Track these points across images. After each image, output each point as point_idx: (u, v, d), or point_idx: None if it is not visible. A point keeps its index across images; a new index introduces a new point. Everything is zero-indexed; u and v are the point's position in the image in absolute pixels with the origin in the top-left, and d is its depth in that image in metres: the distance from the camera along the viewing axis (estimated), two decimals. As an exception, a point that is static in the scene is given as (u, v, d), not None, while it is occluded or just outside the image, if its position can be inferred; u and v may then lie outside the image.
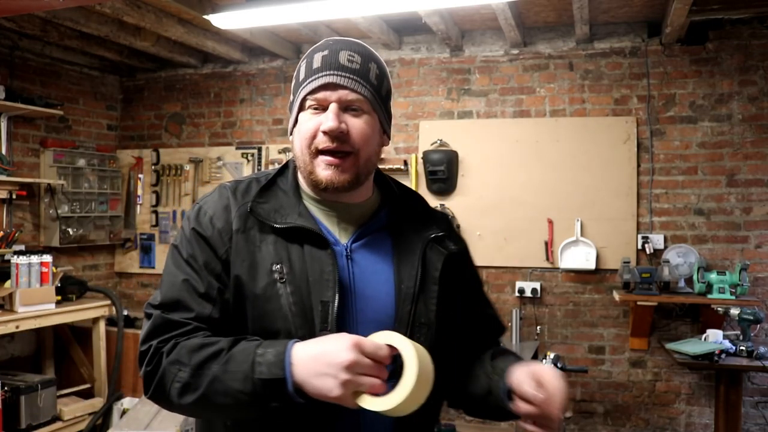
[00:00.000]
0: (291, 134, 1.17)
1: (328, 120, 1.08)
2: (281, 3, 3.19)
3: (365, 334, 1.01)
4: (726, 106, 4.00)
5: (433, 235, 1.19)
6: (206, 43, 4.28)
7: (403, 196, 1.25)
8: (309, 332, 1.07)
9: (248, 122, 4.91)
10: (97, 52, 4.41)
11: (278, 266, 1.09)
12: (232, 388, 1.00)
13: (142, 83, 5.21)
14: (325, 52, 1.12)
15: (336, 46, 1.13)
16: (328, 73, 1.10)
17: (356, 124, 1.10)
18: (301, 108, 1.13)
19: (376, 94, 1.13)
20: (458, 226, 4.35)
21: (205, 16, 3.50)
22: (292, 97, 1.18)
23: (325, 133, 1.09)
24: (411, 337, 1.05)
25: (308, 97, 1.11)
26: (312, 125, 1.10)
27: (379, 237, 1.18)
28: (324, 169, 1.11)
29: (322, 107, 1.11)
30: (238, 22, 3.51)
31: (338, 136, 1.09)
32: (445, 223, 1.27)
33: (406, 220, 1.21)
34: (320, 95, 1.10)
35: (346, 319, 1.10)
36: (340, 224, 1.17)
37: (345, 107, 1.10)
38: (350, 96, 1.10)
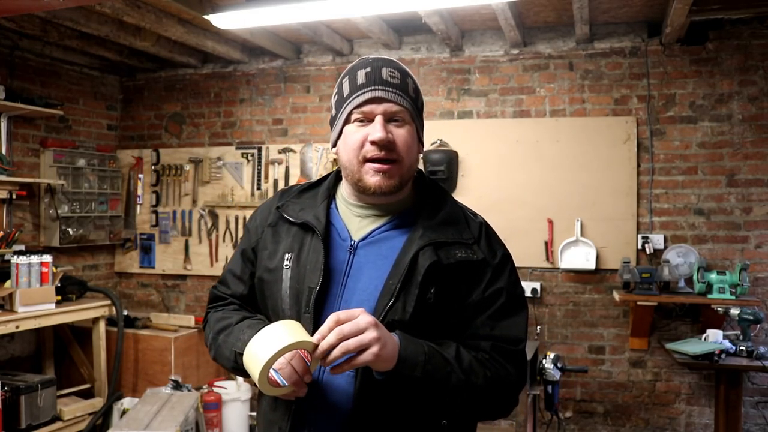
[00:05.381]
0: (334, 146, 1.29)
1: (376, 131, 1.18)
2: (281, 3, 3.19)
3: None
4: (726, 106, 4.00)
5: (432, 241, 1.20)
6: (206, 43, 4.28)
7: (434, 200, 1.29)
8: (296, 313, 1.22)
9: (248, 122, 4.91)
10: (97, 52, 4.40)
11: (289, 255, 1.25)
12: (225, 354, 1.27)
13: (142, 83, 5.21)
14: (368, 69, 1.22)
15: (377, 64, 1.23)
16: (373, 88, 1.20)
17: (400, 134, 1.21)
18: (347, 122, 1.23)
19: (414, 106, 1.24)
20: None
21: (205, 16, 3.50)
22: (334, 111, 1.28)
23: (373, 143, 1.18)
24: None
25: (355, 110, 1.21)
26: (359, 136, 1.20)
27: (393, 236, 1.25)
28: (372, 176, 1.20)
29: (367, 119, 1.21)
30: (238, 22, 3.51)
31: (386, 145, 1.19)
32: (472, 232, 1.26)
33: (426, 224, 1.23)
34: (366, 108, 1.20)
35: (332, 305, 1.21)
36: (361, 222, 1.27)
37: (389, 119, 1.20)
38: (394, 108, 1.20)
